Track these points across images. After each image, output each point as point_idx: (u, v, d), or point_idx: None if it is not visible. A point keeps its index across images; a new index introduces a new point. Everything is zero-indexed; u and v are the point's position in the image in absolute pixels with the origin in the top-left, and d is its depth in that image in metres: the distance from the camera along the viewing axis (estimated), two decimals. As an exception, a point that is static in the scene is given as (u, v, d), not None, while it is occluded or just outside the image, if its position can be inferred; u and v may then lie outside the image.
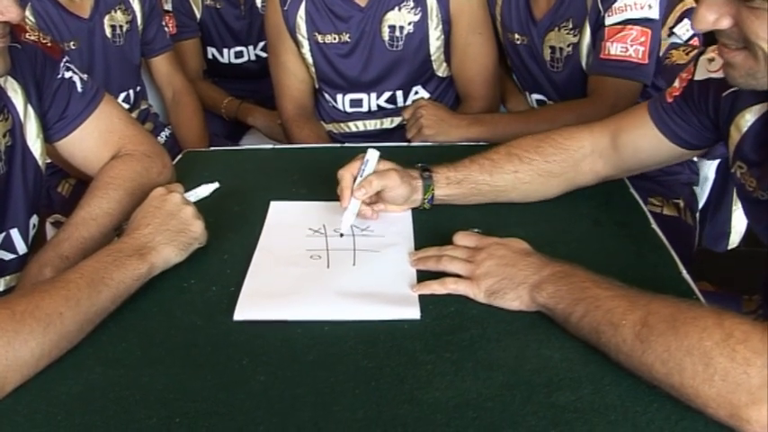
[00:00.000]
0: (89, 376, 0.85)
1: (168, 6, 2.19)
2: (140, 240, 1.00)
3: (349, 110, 1.83)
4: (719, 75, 1.02)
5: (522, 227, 1.14)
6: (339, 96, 1.81)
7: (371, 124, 1.85)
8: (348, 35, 1.71)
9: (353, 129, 1.86)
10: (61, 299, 0.87)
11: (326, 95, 1.84)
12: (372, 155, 1.15)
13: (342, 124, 1.87)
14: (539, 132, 1.27)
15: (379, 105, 1.81)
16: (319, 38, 1.73)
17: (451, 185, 1.19)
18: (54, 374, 0.84)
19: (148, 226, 1.02)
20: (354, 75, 1.76)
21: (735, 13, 0.82)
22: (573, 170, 1.21)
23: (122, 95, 1.91)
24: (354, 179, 1.14)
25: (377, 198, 1.17)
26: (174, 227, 1.03)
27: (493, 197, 1.21)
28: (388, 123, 1.84)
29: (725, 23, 0.84)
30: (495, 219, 1.18)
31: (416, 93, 1.79)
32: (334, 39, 1.72)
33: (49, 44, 1.19)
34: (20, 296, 0.88)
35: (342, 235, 1.13)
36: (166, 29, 2.07)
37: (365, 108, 1.82)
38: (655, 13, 1.46)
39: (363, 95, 1.80)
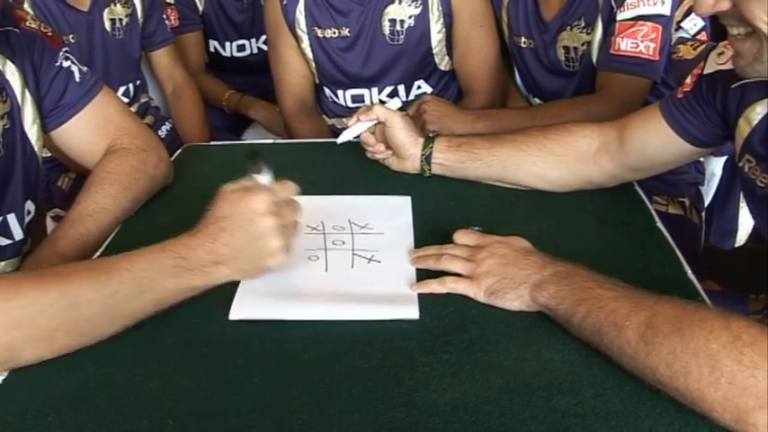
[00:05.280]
0: (81, 375, 0.83)
1: (171, -1, 2.18)
2: (211, 257, 0.88)
3: (351, 105, 1.81)
4: (728, 66, 1.01)
5: (525, 224, 1.12)
6: (340, 92, 1.80)
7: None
8: (348, 29, 1.70)
9: None
10: (98, 285, 0.82)
11: (328, 91, 1.82)
12: (394, 103, 1.24)
13: (344, 119, 1.84)
14: None
15: (381, 100, 1.79)
16: (319, 32, 1.71)
17: (451, 149, 1.23)
18: (46, 373, 0.83)
19: (227, 246, 0.88)
20: (355, 70, 1.74)
21: None
22: (575, 157, 1.20)
23: (122, 89, 1.90)
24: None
25: (382, 138, 1.26)
26: (251, 253, 0.89)
27: (490, 171, 1.22)
28: None
29: (724, 5, 0.83)
30: (496, 216, 1.16)
31: (419, 87, 1.78)
32: (334, 33, 1.71)
33: (49, 33, 1.18)
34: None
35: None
36: (168, 21, 2.06)
37: (367, 103, 1.80)
38: (667, 10, 1.44)
39: (365, 91, 1.78)
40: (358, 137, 1.28)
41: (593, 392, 0.79)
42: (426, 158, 1.20)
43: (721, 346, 0.70)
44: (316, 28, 1.71)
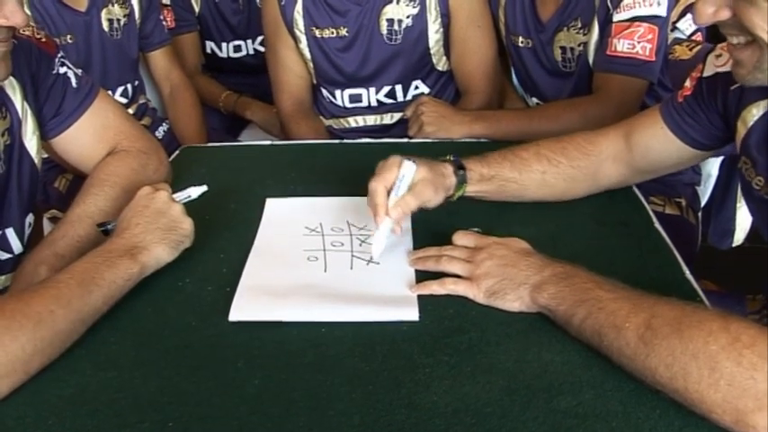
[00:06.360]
0: (81, 379, 0.83)
1: (167, 0, 2.17)
2: (131, 240, 0.98)
3: (348, 105, 1.82)
4: (726, 68, 1.02)
5: (524, 226, 1.12)
6: (338, 92, 1.80)
7: (371, 119, 1.83)
8: (346, 29, 1.70)
9: (354, 124, 1.85)
10: (51, 298, 0.85)
11: (325, 91, 1.83)
12: (409, 169, 1.05)
13: (342, 120, 1.85)
14: (543, 131, 1.28)
15: (378, 100, 1.79)
16: (317, 33, 1.71)
17: (483, 182, 1.17)
18: (45, 377, 0.83)
19: (138, 225, 1.00)
20: (352, 69, 1.75)
21: (732, 3, 0.82)
22: (594, 175, 1.21)
23: (120, 90, 1.89)
24: (388, 193, 1.05)
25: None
26: (164, 225, 1.01)
27: (518, 195, 1.20)
28: (389, 119, 1.83)
29: (724, 15, 0.83)
30: (495, 218, 1.16)
31: (416, 88, 1.78)
32: (332, 33, 1.71)
33: (43, 39, 1.17)
34: (9, 296, 0.86)
35: (370, 260, 1.06)
36: (165, 23, 2.06)
37: (365, 103, 1.81)
38: (663, 11, 1.44)
39: (362, 90, 1.78)
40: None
41: (594, 393, 0.79)
42: (458, 199, 1.19)
43: (720, 348, 0.71)
44: (314, 28, 1.71)
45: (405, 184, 1.05)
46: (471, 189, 1.17)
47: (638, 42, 1.45)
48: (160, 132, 2.02)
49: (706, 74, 1.07)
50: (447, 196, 1.14)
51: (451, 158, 1.17)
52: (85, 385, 0.83)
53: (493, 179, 1.18)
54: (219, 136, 2.16)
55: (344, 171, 1.29)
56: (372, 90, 1.78)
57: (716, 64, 1.05)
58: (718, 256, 1.89)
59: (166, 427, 0.77)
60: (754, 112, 0.98)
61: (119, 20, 1.85)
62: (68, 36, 1.73)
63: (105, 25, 1.81)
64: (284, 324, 0.92)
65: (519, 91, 1.82)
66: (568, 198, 1.22)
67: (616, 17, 1.47)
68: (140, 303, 0.97)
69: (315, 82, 1.83)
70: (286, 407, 0.79)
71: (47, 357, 0.84)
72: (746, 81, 0.90)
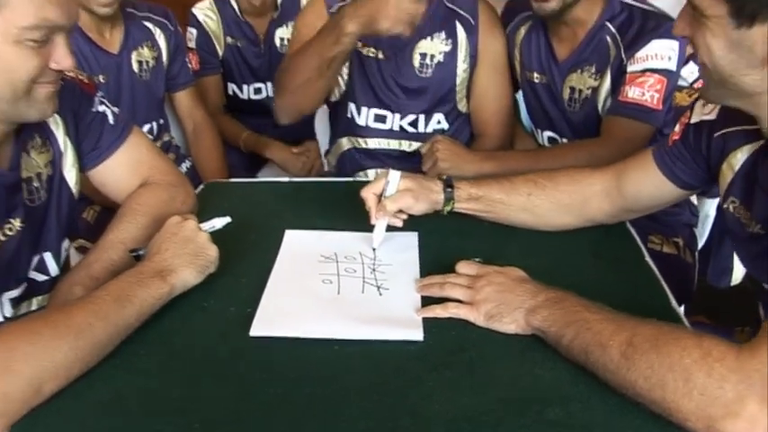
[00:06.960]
0: (116, 385, 0.92)
1: (192, 44, 2.28)
2: (161, 264, 1.06)
3: (372, 125, 1.85)
4: (711, 116, 1.11)
5: (522, 258, 1.18)
6: (364, 109, 1.83)
7: (391, 144, 1.87)
8: (383, 54, 1.76)
9: (372, 146, 1.87)
10: (91, 312, 0.94)
11: (351, 106, 1.84)
12: (393, 177, 1.24)
13: (359, 139, 1.88)
14: (549, 169, 1.35)
15: (401, 126, 1.84)
16: (360, 46, 1.74)
17: (471, 201, 1.29)
18: (85, 383, 0.91)
19: (168, 251, 1.08)
20: (382, 92, 1.80)
21: (692, 21, 0.93)
22: (581, 204, 1.28)
23: (146, 127, 1.98)
24: (379, 198, 1.24)
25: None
26: (191, 251, 1.10)
27: (506, 215, 1.29)
28: (407, 146, 1.86)
29: (687, 31, 0.94)
30: (495, 249, 1.24)
31: (438, 122, 1.83)
32: (371, 53, 1.77)
33: (85, 80, 1.27)
34: (53, 309, 0.94)
35: (374, 249, 1.24)
36: (190, 65, 2.16)
37: (387, 126, 1.84)
38: (673, 65, 1.54)
39: (388, 113, 1.82)
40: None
41: (581, 406, 0.86)
42: (449, 211, 1.29)
43: (693, 361, 0.79)
44: (359, 42, 1.71)
45: (391, 188, 1.25)
46: (461, 206, 1.29)
47: (648, 91, 1.54)
48: (183, 168, 2.11)
49: (693, 120, 1.15)
50: (436, 210, 1.28)
51: (444, 177, 1.29)
52: (121, 390, 0.91)
53: (481, 199, 1.28)
54: (239, 173, 2.23)
55: (358, 208, 1.34)
56: (397, 116, 1.83)
57: (702, 112, 1.14)
58: (715, 295, 1.94)
59: (192, 427, 0.84)
60: (738, 157, 1.07)
61: (147, 62, 1.95)
62: (101, 76, 1.83)
63: (135, 66, 1.92)
64: (300, 341, 1.00)
65: (528, 127, 1.89)
66: (557, 228, 1.29)
67: (630, 68, 1.56)
68: (168, 320, 1.05)
69: (337, 98, 1.85)
70: (301, 412, 0.87)
71: (85, 365, 0.92)
72: (706, 98, 1.02)
